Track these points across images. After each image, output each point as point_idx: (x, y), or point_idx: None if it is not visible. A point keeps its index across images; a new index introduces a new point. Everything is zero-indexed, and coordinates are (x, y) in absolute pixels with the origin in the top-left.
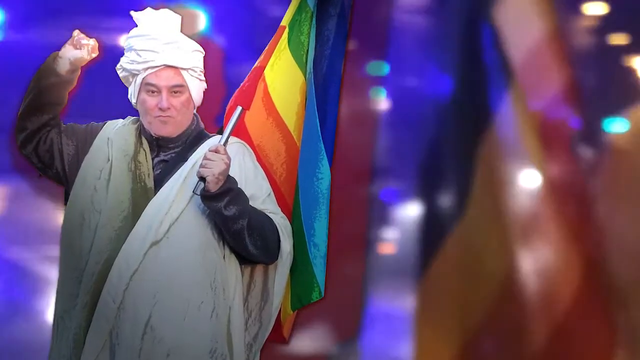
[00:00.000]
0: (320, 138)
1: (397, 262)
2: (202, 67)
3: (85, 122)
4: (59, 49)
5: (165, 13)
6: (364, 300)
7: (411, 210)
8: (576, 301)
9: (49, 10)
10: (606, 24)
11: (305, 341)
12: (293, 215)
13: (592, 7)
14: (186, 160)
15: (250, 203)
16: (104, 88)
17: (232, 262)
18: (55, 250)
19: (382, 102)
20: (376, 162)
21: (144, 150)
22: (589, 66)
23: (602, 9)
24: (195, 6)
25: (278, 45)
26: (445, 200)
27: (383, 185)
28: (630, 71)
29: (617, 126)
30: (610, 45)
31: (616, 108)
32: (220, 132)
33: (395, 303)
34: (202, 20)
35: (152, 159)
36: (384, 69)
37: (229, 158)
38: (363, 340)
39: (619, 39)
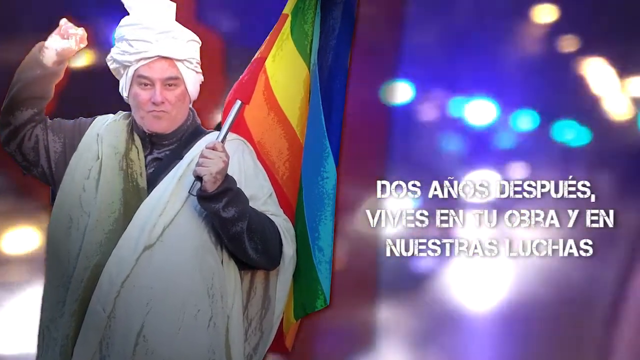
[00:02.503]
0: (326, 134)
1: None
2: (199, 58)
3: (73, 118)
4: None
5: (159, 0)
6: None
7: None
8: None
9: None
10: (556, 30)
11: (310, 353)
12: (296, 217)
13: (542, 13)
14: (181, 158)
15: (251, 204)
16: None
17: (231, 268)
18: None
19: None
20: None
21: (136, 147)
22: (540, 72)
23: (552, 15)
24: None
25: (280, 34)
26: None
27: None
28: (581, 76)
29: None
30: (560, 51)
31: (567, 113)
32: (218, 128)
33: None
34: (199, 6)
35: (145, 157)
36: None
37: (227, 156)
38: (376, 353)
39: (569, 44)
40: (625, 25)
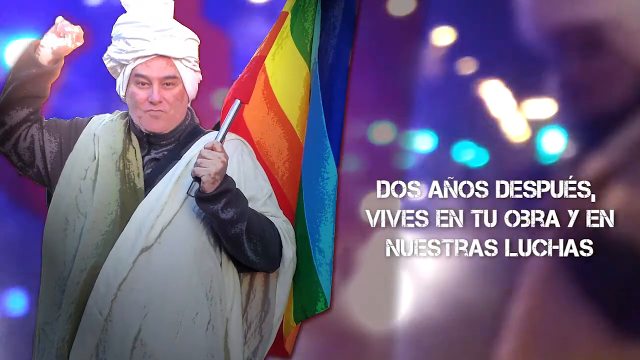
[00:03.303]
0: (326, 134)
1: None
2: (197, 57)
3: (69, 117)
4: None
5: None
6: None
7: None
8: None
9: None
10: (454, 52)
11: (310, 357)
12: (296, 219)
13: (440, 35)
14: (179, 159)
15: (250, 205)
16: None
17: (230, 270)
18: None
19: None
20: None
21: (134, 147)
22: (438, 94)
23: (450, 38)
24: None
25: (280, 32)
26: None
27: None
28: (479, 98)
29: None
30: (458, 73)
31: (466, 134)
32: (217, 128)
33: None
34: (202, 2)
35: (142, 157)
36: None
37: (226, 156)
38: (378, 355)
39: (467, 66)
40: (521, 49)
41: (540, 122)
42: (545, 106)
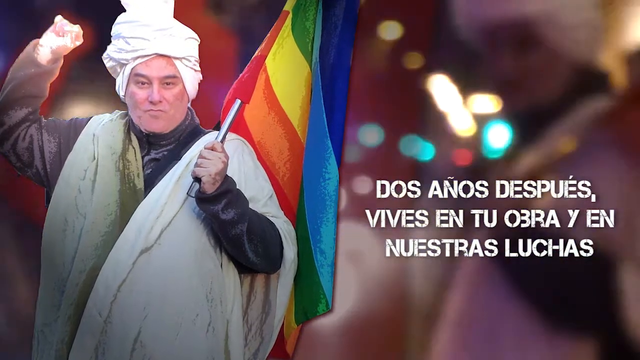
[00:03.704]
0: (327, 134)
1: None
2: (197, 56)
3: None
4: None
5: None
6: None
7: None
8: None
9: None
10: (401, 47)
11: (310, 357)
12: (297, 220)
13: (387, 30)
14: (180, 159)
15: (250, 206)
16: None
17: (230, 271)
18: None
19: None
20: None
21: (133, 147)
22: (385, 88)
23: (396, 32)
24: None
25: (281, 32)
26: None
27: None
28: (425, 92)
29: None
30: (405, 67)
31: (413, 128)
32: (217, 128)
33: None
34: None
35: (142, 158)
36: None
37: (226, 156)
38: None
39: (413, 61)
40: (466, 43)
41: (484, 117)
42: (487, 101)
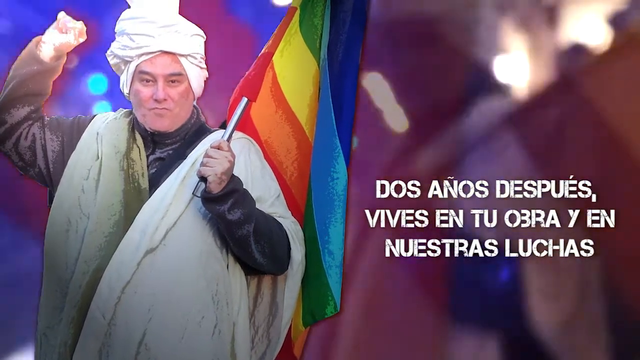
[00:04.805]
0: (336, 133)
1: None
2: (203, 53)
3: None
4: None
5: None
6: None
7: None
8: None
9: None
10: None
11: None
12: (305, 220)
13: None
14: (185, 158)
15: (257, 206)
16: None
17: (237, 273)
18: None
19: None
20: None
21: (138, 146)
22: None
23: None
24: None
25: (288, 28)
26: None
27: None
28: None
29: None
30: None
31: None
32: (224, 127)
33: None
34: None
35: (147, 157)
36: None
37: (233, 155)
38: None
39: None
40: (400, 41)
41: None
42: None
